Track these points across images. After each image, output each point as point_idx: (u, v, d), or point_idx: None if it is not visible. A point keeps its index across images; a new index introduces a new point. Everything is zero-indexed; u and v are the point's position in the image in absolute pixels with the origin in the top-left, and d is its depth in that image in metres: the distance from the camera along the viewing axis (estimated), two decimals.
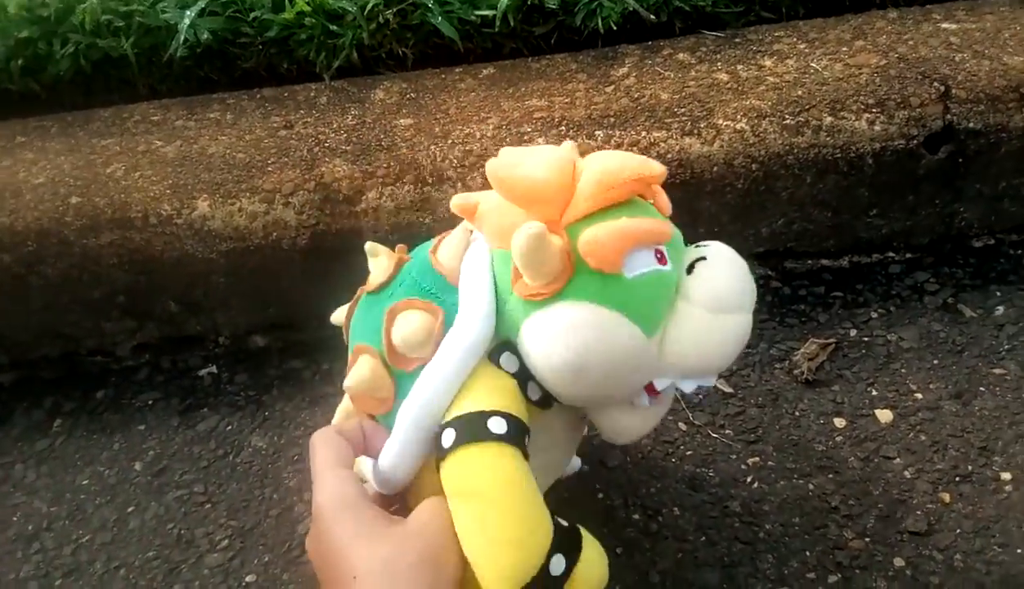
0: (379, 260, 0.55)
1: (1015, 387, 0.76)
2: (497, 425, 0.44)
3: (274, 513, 0.73)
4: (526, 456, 0.45)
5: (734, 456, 0.73)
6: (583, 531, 0.48)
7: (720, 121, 0.84)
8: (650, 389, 0.49)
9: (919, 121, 0.85)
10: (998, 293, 0.85)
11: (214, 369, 0.86)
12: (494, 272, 0.48)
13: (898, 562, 0.64)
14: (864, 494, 0.69)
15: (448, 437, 0.45)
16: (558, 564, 0.44)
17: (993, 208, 0.90)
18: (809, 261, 0.92)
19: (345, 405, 0.54)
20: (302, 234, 0.83)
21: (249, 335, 0.89)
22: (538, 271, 0.44)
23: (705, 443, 0.74)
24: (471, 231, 0.53)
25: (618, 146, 0.84)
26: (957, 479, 0.69)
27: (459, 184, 0.82)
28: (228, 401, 0.83)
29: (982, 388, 0.76)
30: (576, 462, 0.70)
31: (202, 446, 0.79)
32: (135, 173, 0.85)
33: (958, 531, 0.66)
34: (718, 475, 0.72)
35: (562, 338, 0.45)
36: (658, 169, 0.47)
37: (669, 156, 0.83)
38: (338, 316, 0.57)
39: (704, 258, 0.48)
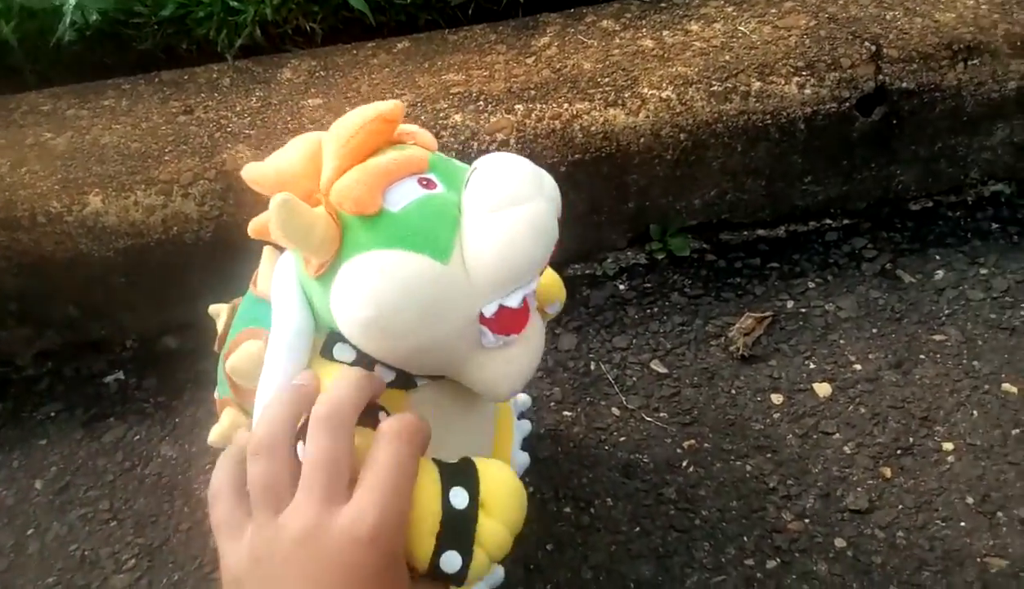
0: (220, 319, 0.54)
1: (956, 353, 0.74)
2: None
3: (184, 527, 0.68)
4: None
5: (669, 440, 0.70)
6: (475, 459, 0.45)
7: (645, 90, 0.80)
8: (484, 321, 0.45)
9: (850, 83, 0.82)
10: (937, 257, 0.83)
11: (121, 375, 0.81)
12: (299, 273, 0.46)
13: (839, 543, 0.62)
14: (803, 473, 0.66)
15: None
16: (459, 496, 0.40)
17: (929, 170, 0.88)
18: (744, 232, 0.88)
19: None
20: (205, 227, 0.77)
21: (159, 337, 0.84)
22: (309, 243, 0.42)
23: (639, 428, 0.71)
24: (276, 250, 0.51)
25: (539, 120, 0.79)
26: (898, 452, 0.67)
27: None
28: (136, 409, 0.77)
29: (922, 356, 0.74)
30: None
31: (108, 459, 0.73)
32: (21, 168, 0.78)
33: (900, 507, 0.63)
34: (653, 461, 0.68)
35: (352, 297, 0.42)
36: (390, 105, 0.45)
37: (593, 129, 0.79)
38: (215, 309, 0.56)
39: (475, 169, 0.46)
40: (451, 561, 0.38)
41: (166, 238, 0.77)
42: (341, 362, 0.45)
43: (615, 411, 0.72)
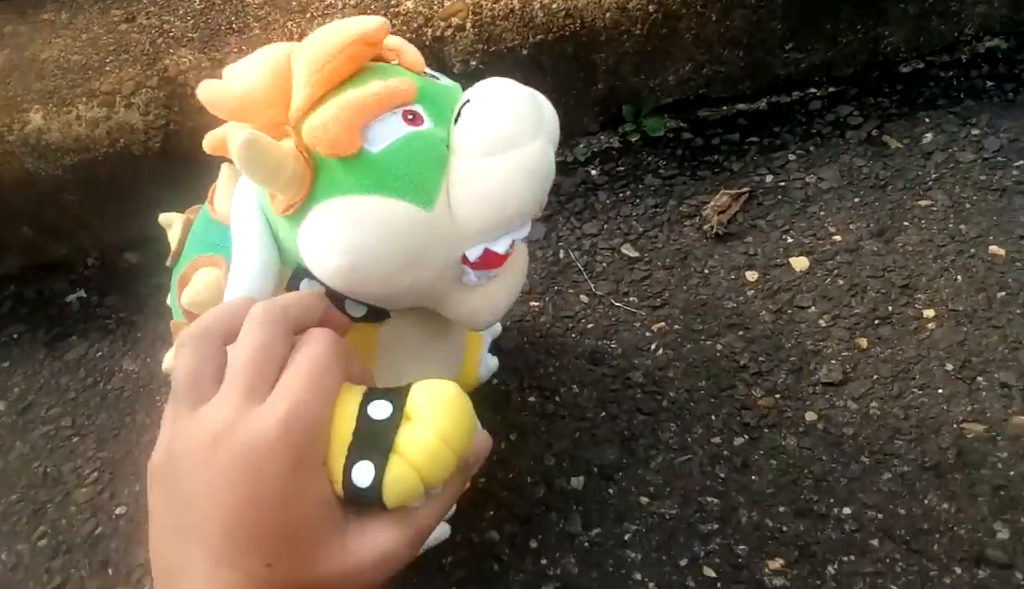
0: (172, 230, 0.50)
1: (941, 217, 0.69)
2: None
3: (145, 439, 0.67)
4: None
5: (638, 324, 0.67)
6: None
7: None
8: (467, 262, 0.42)
9: None
10: (926, 119, 0.77)
11: (83, 293, 0.79)
12: (261, 202, 0.42)
13: (809, 416, 0.59)
14: (776, 348, 0.63)
15: None
16: (380, 408, 0.35)
17: (920, 28, 0.81)
18: (724, 107, 0.83)
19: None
20: (153, 137, 0.74)
21: (120, 253, 0.82)
22: (276, 182, 0.38)
23: (608, 314, 0.68)
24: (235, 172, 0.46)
25: (496, 1, 0.74)
26: (876, 322, 0.64)
27: None
28: (98, 326, 0.76)
29: (906, 223, 0.70)
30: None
31: (70, 376, 0.73)
32: None
33: (875, 377, 0.61)
34: (621, 346, 0.66)
35: (325, 244, 0.39)
36: (374, 23, 0.39)
37: (555, 6, 0.74)
38: (166, 218, 0.52)
39: (468, 102, 0.41)
40: (363, 472, 0.33)
41: (113, 151, 0.75)
42: None
43: (583, 298, 0.70)
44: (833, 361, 0.62)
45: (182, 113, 0.74)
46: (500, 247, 0.41)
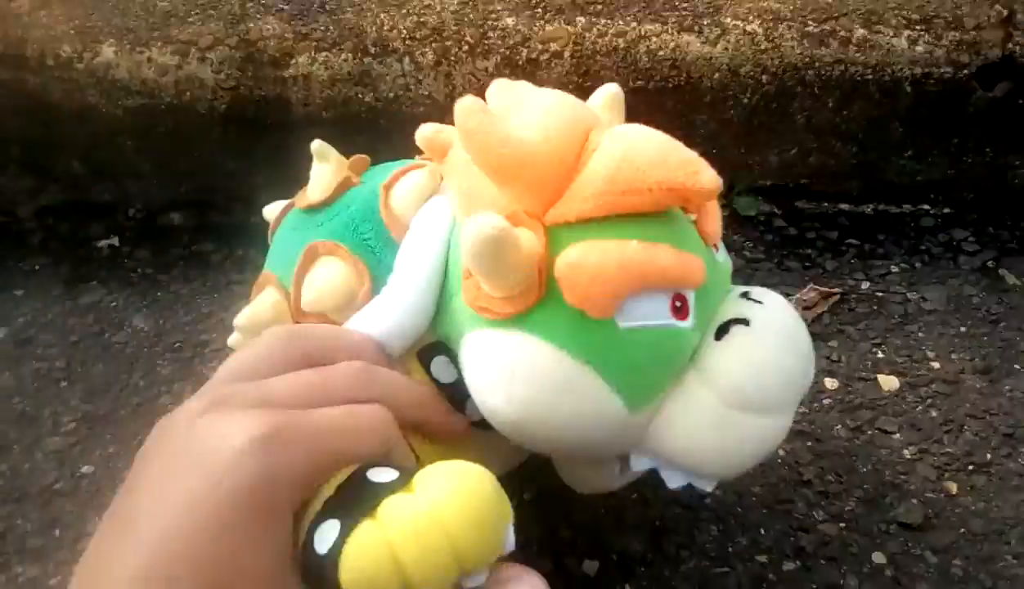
0: (323, 170, 0.41)
1: None
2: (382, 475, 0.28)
3: (135, 401, 0.61)
4: None
5: None
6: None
7: (728, 19, 0.70)
8: (628, 463, 0.36)
9: (973, 46, 0.70)
10: None
11: (116, 241, 0.75)
12: (450, 247, 0.35)
13: (877, 557, 0.50)
14: (848, 470, 0.55)
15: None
16: (382, 473, 0.28)
17: None
18: (825, 203, 0.77)
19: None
20: (220, 97, 0.71)
21: (166, 211, 0.78)
22: (496, 279, 0.31)
23: None
24: (440, 176, 0.39)
25: (601, 35, 0.70)
26: (970, 467, 0.55)
27: (406, 58, 0.69)
28: (120, 276, 0.71)
29: (1017, 366, 0.61)
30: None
31: (78, 319, 0.67)
32: (41, 11, 0.74)
33: (962, 531, 0.51)
34: None
35: (505, 382, 0.32)
36: (708, 182, 0.31)
37: (662, 54, 0.70)
38: (271, 211, 0.46)
39: (746, 323, 0.33)
40: (326, 533, 0.25)
41: (178, 103, 0.71)
42: (435, 379, 0.35)
43: None
44: (915, 500, 0.53)
45: (253, 79, 0.71)
46: (672, 481, 0.34)
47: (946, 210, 0.75)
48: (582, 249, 0.30)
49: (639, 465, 0.35)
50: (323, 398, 0.29)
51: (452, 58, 0.69)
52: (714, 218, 0.35)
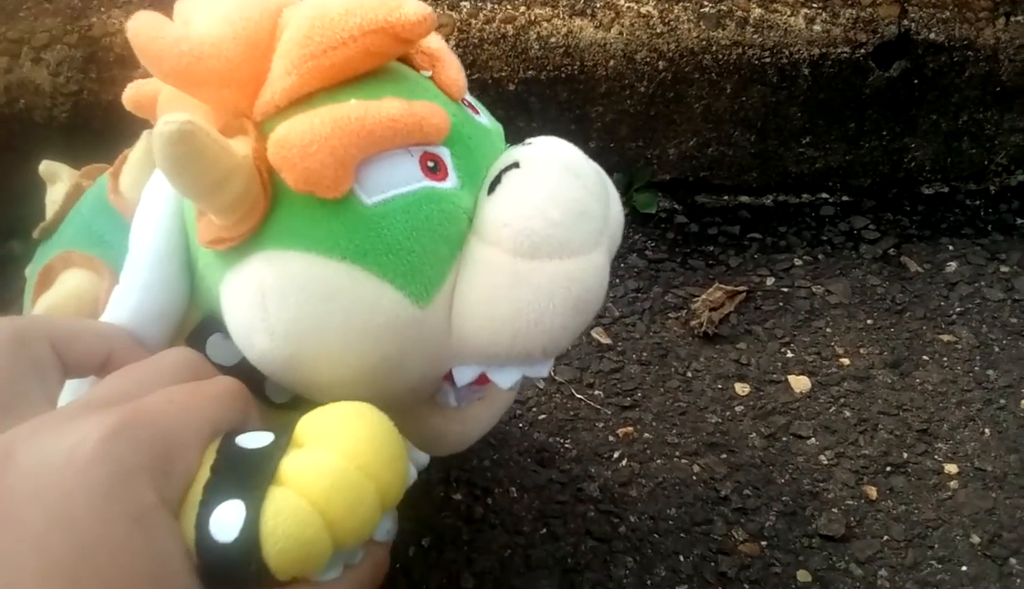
0: (55, 188, 0.38)
1: (966, 358, 0.59)
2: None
3: None
4: None
5: (601, 424, 0.55)
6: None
7: (622, 1, 0.66)
8: (450, 380, 0.30)
9: (869, 24, 0.68)
10: (950, 247, 0.69)
11: None
12: (185, 212, 0.30)
13: (802, 576, 0.47)
14: (765, 482, 0.52)
15: None
16: (253, 437, 0.24)
17: (950, 147, 0.74)
18: (725, 196, 0.74)
19: None
20: (60, 104, 0.62)
21: (4, 241, 0.68)
22: (212, 197, 0.26)
23: (566, 406, 0.56)
24: None
25: (487, 21, 0.65)
26: (888, 469, 0.52)
27: None
28: None
29: (925, 357, 0.60)
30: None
31: None
32: None
33: (885, 538, 0.49)
34: (576, 447, 0.53)
35: (260, 316, 0.27)
36: (412, 13, 0.26)
37: (553, 40, 0.65)
38: (49, 168, 0.41)
39: (516, 165, 0.29)
40: (226, 517, 0.22)
41: (11, 113, 0.62)
42: (214, 362, 0.29)
43: (539, 383, 0.57)
44: (835, 510, 0.50)
45: (100, 82, 0.62)
46: (504, 380, 0.29)
47: (844, 198, 0.74)
48: (290, 122, 0.26)
49: (465, 376, 0.30)
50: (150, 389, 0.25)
51: None
52: (453, 68, 0.31)
